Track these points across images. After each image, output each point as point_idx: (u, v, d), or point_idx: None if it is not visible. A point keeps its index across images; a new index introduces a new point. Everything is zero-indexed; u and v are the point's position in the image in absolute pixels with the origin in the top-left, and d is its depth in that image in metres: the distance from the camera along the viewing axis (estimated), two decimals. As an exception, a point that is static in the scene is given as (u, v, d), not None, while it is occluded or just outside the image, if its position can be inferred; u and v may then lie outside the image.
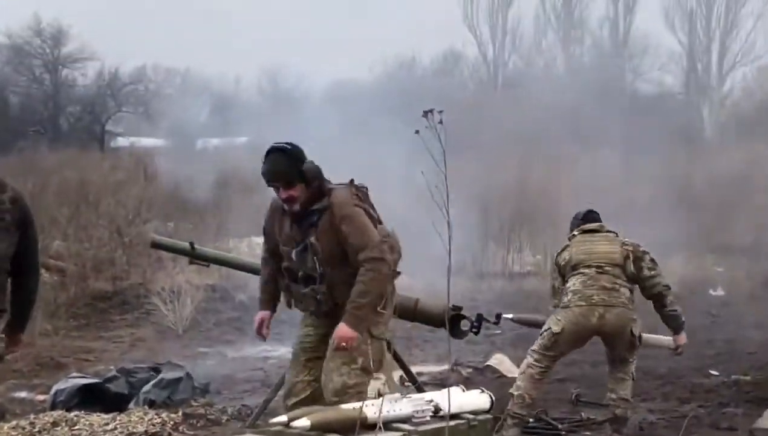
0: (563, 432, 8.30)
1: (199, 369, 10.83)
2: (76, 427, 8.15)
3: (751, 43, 56.72)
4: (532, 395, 8.08)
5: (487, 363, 10.89)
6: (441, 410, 5.68)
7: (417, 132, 4.46)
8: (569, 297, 7.92)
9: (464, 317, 8.58)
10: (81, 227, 17.54)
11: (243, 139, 54.55)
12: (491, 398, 6.09)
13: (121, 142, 57.83)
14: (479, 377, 10.60)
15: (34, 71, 61.72)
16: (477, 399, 6.01)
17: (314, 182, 6.41)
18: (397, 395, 5.84)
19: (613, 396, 8.11)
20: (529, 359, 8.15)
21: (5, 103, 58.56)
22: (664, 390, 9.96)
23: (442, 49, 64.40)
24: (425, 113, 4.36)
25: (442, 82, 64.04)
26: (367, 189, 6.64)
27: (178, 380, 9.22)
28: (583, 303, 7.88)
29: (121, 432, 8.13)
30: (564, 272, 8.16)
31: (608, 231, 8.39)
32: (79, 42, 62.57)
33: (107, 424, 8.23)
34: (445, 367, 11.06)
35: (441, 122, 4.38)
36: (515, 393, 8.02)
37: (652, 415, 9.00)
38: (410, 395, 5.85)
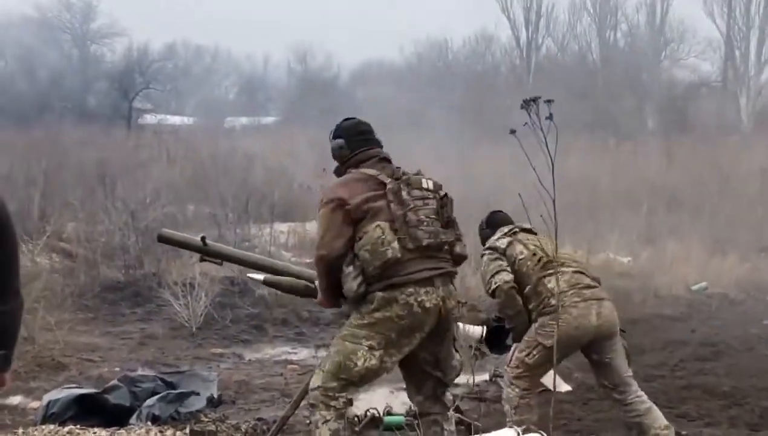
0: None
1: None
2: (69, 445, 7.21)
3: (791, 31, 55.79)
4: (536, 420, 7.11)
5: (530, 376, 9.83)
6: (494, 461, 4.70)
7: (513, 132, 3.53)
8: (556, 300, 6.82)
9: (508, 330, 7.62)
10: (96, 209, 16.59)
11: (270, 118, 54.06)
12: (553, 445, 5.08)
13: (149, 119, 57.38)
14: (521, 390, 9.58)
15: (62, 46, 61.31)
16: (536, 447, 5.01)
17: (337, 161, 6.28)
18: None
19: (657, 433, 7.02)
20: (516, 391, 7.22)
21: (33, 78, 58.09)
22: (729, 414, 8.84)
23: (474, 31, 63.78)
24: (526, 103, 3.39)
25: (474, 65, 63.36)
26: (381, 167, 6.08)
27: (188, 394, 8.24)
28: (578, 299, 6.89)
29: (119, 453, 7.19)
30: (519, 269, 7.06)
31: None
32: (108, 17, 62.28)
33: (104, 442, 7.29)
34: (484, 378, 10.10)
35: (550, 118, 3.42)
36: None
37: (720, 444, 7.93)
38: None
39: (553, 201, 3.38)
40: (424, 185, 6.03)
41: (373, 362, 5.76)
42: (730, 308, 14.33)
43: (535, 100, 3.35)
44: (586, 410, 8.92)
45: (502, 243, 7.16)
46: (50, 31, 60.73)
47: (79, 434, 7.43)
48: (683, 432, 8.08)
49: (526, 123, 3.51)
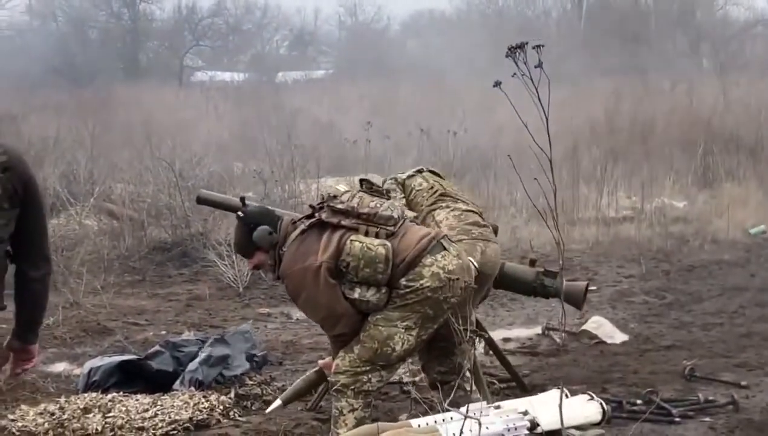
0: (678, 418, 6.96)
1: (259, 334, 9.74)
2: (110, 414, 7.04)
3: None
4: None
5: (583, 327, 9.59)
6: (538, 425, 4.46)
7: (498, 84, 3.30)
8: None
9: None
10: (143, 169, 16.49)
11: (321, 72, 53.98)
12: (603, 407, 4.81)
13: (200, 76, 57.43)
14: (575, 343, 9.37)
15: (112, 6, 61.39)
16: (584, 409, 4.75)
17: (271, 250, 5.93)
18: (482, 404, 4.60)
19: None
20: None
21: (84, 38, 58.29)
22: (792, 360, 8.55)
23: (524, -24, 63.18)
24: (512, 50, 3.14)
25: (524, 11, 62.67)
26: (325, 203, 5.85)
27: (228, 356, 8.04)
28: (465, 236, 6.60)
29: (162, 420, 7.01)
30: (414, 198, 6.97)
31: None
32: (156, -25, 62.14)
33: (146, 410, 7.11)
34: (536, 331, 9.85)
35: (540, 66, 3.18)
36: None
37: (784, 395, 7.62)
38: (499, 404, 4.60)
39: (550, 161, 3.11)
40: (342, 189, 5.97)
41: (411, 342, 5.60)
42: (791, 251, 13.94)
43: (521, 46, 3.09)
44: (642, 362, 8.66)
45: (405, 175, 7.12)
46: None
47: (121, 400, 7.30)
48: (743, 382, 7.82)
49: (514, 74, 3.25)
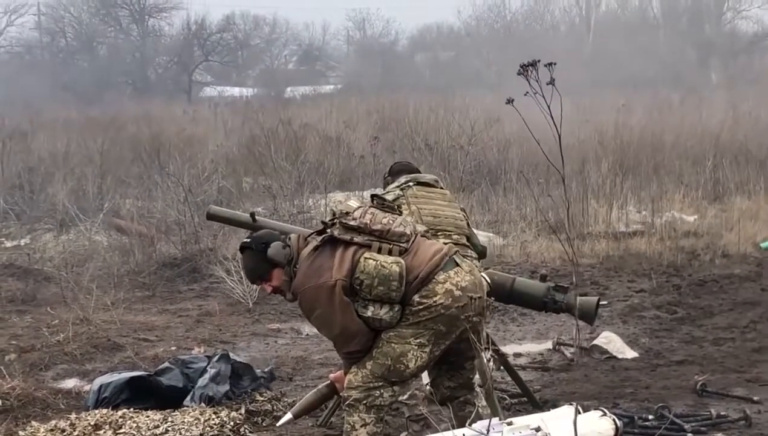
0: (690, 434, 6.93)
1: (269, 350, 9.74)
2: (121, 430, 7.03)
3: None
4: None
5: (594, 342, 9.55)
6: (552, 442, 4.44)
7: (510, 101, 3.30)
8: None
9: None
10: (152, 184, 16.51)
11: (330, 87, 54.06)
12: (616, 423, 4.78)
13: (209, 91, 57.55)
14: (585, 358, 9.33)
15: (120, 21, 61.62)
16: (597, 425, 4.73)
17: (287, 265, 5.84)
18: (495, 420, 4.58)
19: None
20: None
21: (93, 54, 58.50)
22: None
23: (532, -10, 63.35)
24: (524, 68, 3.14)
25: (533, 25, 62.78)
26: (340, 220, 5.75)
27: (241, 373, 8.04)
28: None
29: (173, 436, 7.01)
30: None
31: (441, 187, 6.92)
32: (165, -10, 62.35)
33: (157, 427, 7.09)
34: (547, 346, 9.82)
35: (552, 82, 3.17)
36: None
37: (796, 412, 7.59)
38: (511, 420, 4.58)
39: (563, 178, 3.10)
40: (354, 205, 5.87)
41: (424, 358, 5.59)
42: (802, 265, 13.86)
43: (533, 64, 3.09)
44: (653, 377, 8.63)
45: (388, 198, 6.56)
46: (108, 7, 61.14)
47: (132, 417, 7.28)
48: (755, 397, 7.79)
49: (527, 93, 3.25)
